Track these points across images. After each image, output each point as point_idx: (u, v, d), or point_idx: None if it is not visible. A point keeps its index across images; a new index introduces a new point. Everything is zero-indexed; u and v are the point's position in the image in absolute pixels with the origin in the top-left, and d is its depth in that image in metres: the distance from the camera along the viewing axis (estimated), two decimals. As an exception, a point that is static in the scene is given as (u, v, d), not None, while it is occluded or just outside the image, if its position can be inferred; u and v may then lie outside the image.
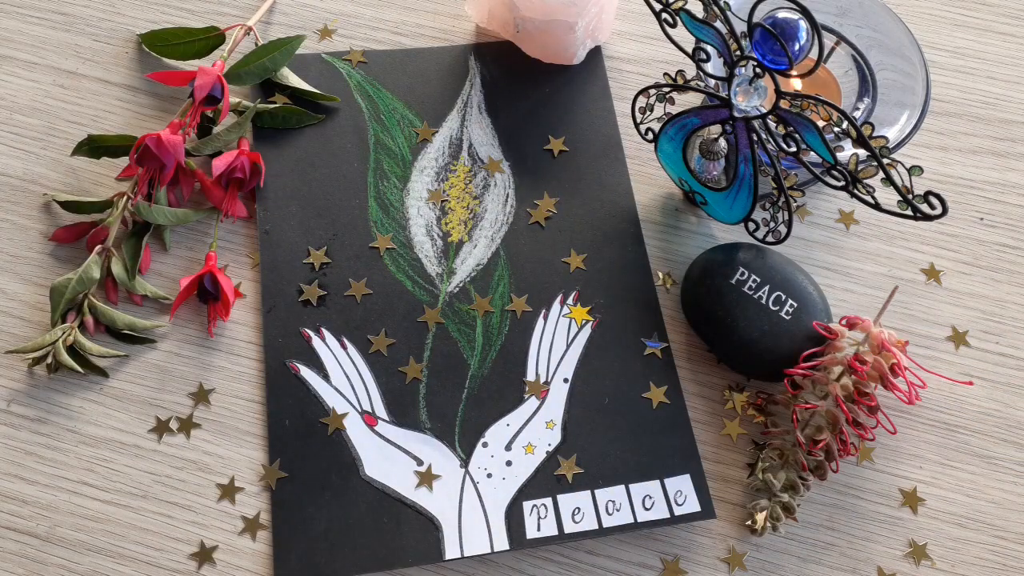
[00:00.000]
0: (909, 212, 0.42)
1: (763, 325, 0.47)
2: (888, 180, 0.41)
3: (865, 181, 0.43)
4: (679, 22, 0.46)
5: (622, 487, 0.46)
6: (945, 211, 0.40)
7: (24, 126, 0.56)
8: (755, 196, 0.48)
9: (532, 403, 0.48)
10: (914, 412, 0.49)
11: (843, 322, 0.47)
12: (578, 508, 0.46)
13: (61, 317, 0.49)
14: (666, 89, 0.50)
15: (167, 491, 0.46)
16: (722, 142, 0.49)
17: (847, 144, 0.47)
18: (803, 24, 0.42)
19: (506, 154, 0.56)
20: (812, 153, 0.44)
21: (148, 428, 0.48)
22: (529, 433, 0.48)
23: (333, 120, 0.57)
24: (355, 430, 0.47)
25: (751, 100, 0.45)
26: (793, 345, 0.47)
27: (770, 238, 0.50)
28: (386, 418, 0.48)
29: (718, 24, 0.44)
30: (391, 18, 0.61)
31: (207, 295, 0.50)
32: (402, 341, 0.50)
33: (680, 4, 0.46)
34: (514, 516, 0.45)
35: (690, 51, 0.47)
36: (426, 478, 0.46)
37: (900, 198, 0.41)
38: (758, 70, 0.44)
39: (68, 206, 0.52)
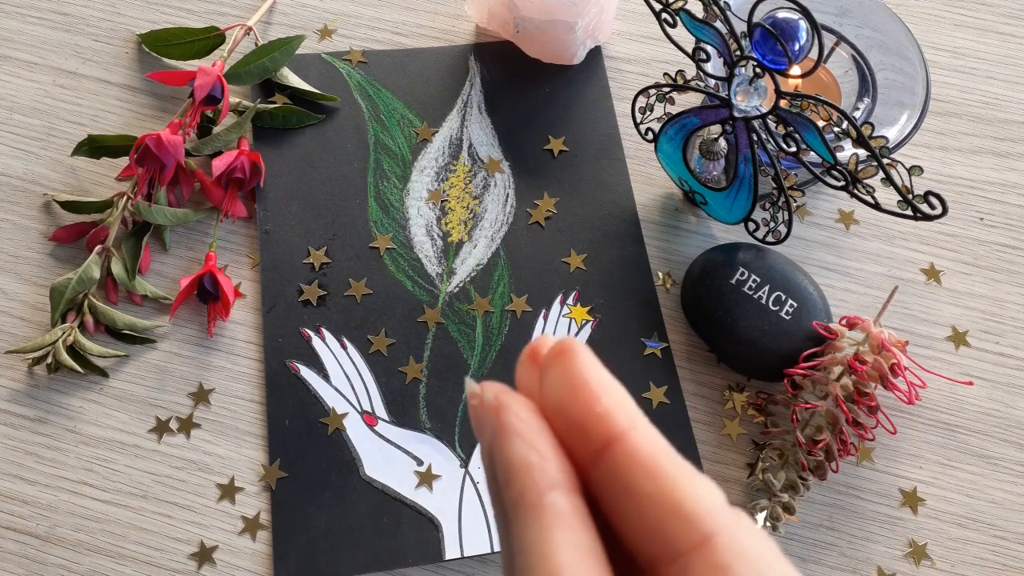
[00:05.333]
0: (909, 212, 0.42)
1: (763, 325, 0.47)
2: (888, 180, 0.41)
3: (865, 181, 0.43)
4: (679, 22, 0.46)
5: (622, 487, 0.46)
6: (945, 211, 0.40)
7: (24, 126, 0.56)
8: (755, 196, 0.48)
9: (532, 403, 0.48)
10: (914, 412, 0.49)
11: (843, 322, 0.47)
12: (578, 508, 0.46)
13: (61, 317, 0.49)
14: (666, 89, 0.50)
15: (167, 491, 0.46)
16: (722, 142, 0.49)
17: (847, 144, 0.47)
18: (803, 24, 0.42)
19: (506, 154, 0.56)
20: (812, 153, 0.44)
21: (148, 428, 0.48)
22: (529, 433, 0.48)
23: (333, 120, 0.57)
24: (355, 430, 0.47)
25: (751, 100, 0.45)
26: (793, 345, 0.47)
27: (770, 238, 0.50)
28: (386, 418, 0.48)
29: (718, 24, 0.44)
30: (391, 18, 0.61)
31: (207, 295, 0.50)
32: (402, 341, 0.50)
33: (680, 4, 0.46)
34: (514, 516, 0.45)
35: (690, 51, 0.47)
36: (426, 478, 0.46)
37: (900, 198, 0.42)
38: (758, 70, 0.44)
39: (68, 206, 0.52)
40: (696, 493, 0.16)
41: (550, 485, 0.17)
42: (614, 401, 0.17)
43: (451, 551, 0.44)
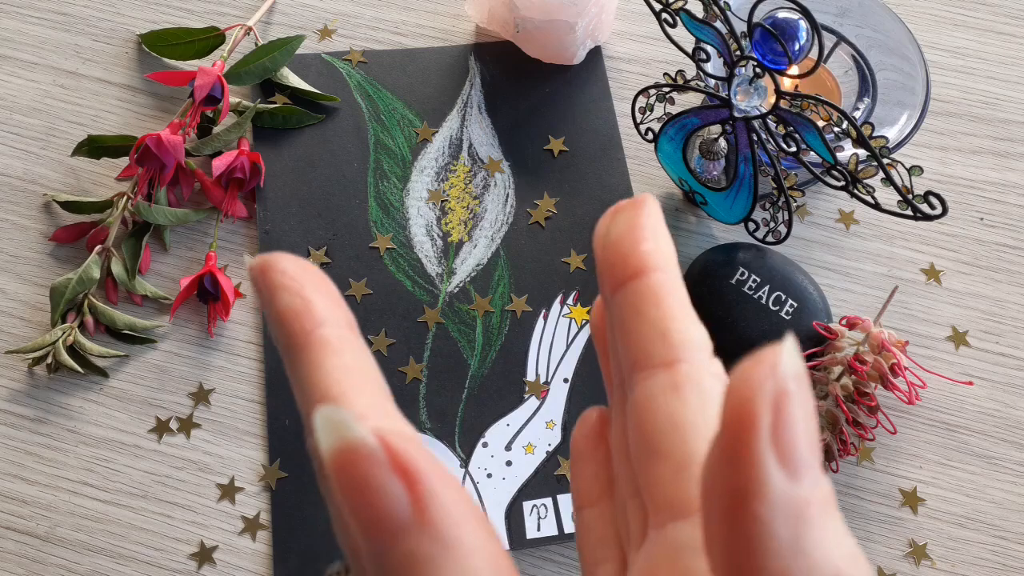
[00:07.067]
0: (909, 212, 0.42)
1: (763, 325, 0.47)
2: (888, 180, 0.41)
3: (865, 181, 0.43)
4: (679, 22, 0.46)
5: (622, 487, 0.46)
6: (945, 211, 0.40)
7: (24, 126, 0.56)
8: (755, 196, 0.48)
9: (532, 403, 0.48)
10: (914, 412, 0.49)
11: (843, 322, 0.47)
12: (578, 508, 0.46)
13: (61, 317, 0.49)
14: (666, 89, 0.50)
15: (167, 491, 0.46)
16: (722, 142, 0.49)
17: (847, 144, 0.47)
18: (803, 24, 0.42)
19: (506, 154, 0.56)
20: (812, 153, 0.44)
21: (148, 428, 0.48)
22: (529, 433, 0.48)
23: (333, 120, 0.57)
24: (355, 430, 0.47)
25: (751, 100, 0.45)
26: (793, 345, 0.47)
27: (770, 238, 0.50)
28: (386, 418, 0.48)
29: (718, 24, 0.44)
30: (391, 18, 0.61)
31: (207, 295, 0.50)
32: (402, 341, 0.50)
33: (680, 4, 0.46)
34: (514, 516, 0.45)
35: (690, 51, 0.47)
36: (426, 478, 0.46)
37: (900, 198, 0.42)
38: (758, 70, 0.44)
39: (68, 206, 0.52)
40: (685, 328, 0.19)
41: (315, 324, 0.18)
42: (658, 247, 0.19)
43: (451, 551, 0.44)
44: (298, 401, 0.19)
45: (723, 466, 0.14)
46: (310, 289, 0.19)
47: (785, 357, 0.13)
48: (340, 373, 0.18)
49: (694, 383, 0.18)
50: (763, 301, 0.48)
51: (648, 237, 0.19)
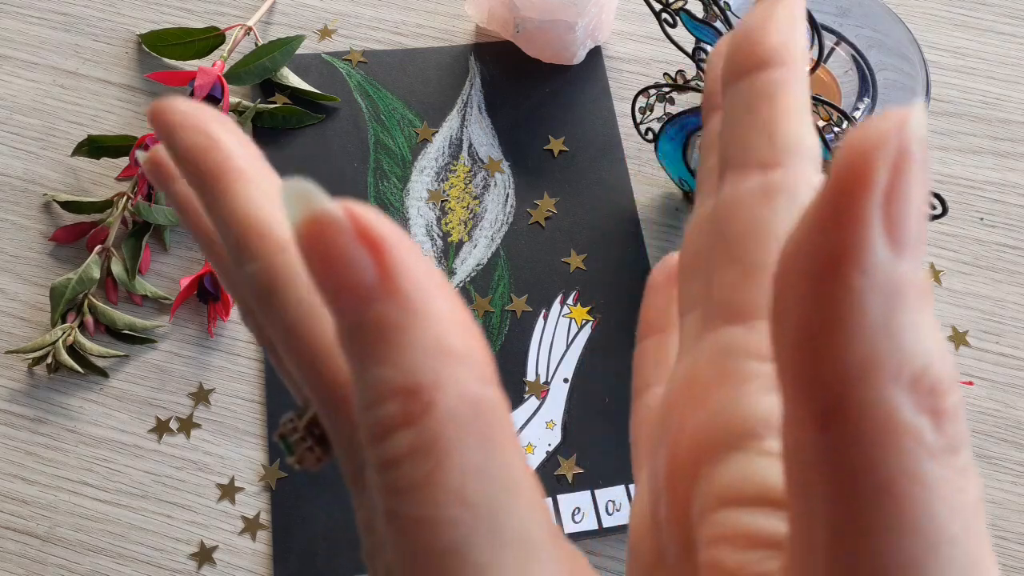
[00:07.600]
0: (909, 212, 0.42)
1: (763, 325, 0.47)
2: (888, 180, 0.41)
3: (865, 181, 0.43)
4: (679, 22, 0.46)
5: (622, 487, 0.46)
6: (945, 211, 0.40)
7: (24, 126, 0.56)
8: (755, 196, 0.48)
9: (532, 403, 0.48)
10: (914, 412, 0.49)
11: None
12: (578, 508, 0.46)
13: (61, 317, 0.49)
14: (666, 89, 0.50)
15: (167, 491, 0.46)
16: (722, 142, 0.49)
17: (847, 144, 0.47)
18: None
19: (506, 154, 0.56)
20: (812, 153, 0.44)
21: (148, 428, 0.48)
22: (529, 433, 0.48)
23: (333, 120, 0.57)
24: (355, 430, 0.47)
25: (751, 100, 0.45)
26: (793, 345, 0.47)
27: (770, 238, 0.49)
28: (386, 418, 0.48)
29: (718, 24, 0.44)
30: (391, 18, 0.61)
31: (207, 295, 0.50)
32: (402, 341, 0.50)
33: (680, 4, 0.46)
34: (514, 516, 0.45)
35: (690, 51, 0.47)
36: (426, 478, 0.46)
37: (900, 198, 0.41)
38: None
39: (68, 206, 0.52)
40: (795, 132, 0.16)
41: (226, 156, 0.18)
42: (791, 40, 0.17)
43: (451, 551, 0.44)
44: (221, 236, 0.19)
45: (818, 226, 0.12)
46: (214, 126, 0.19)
47: (915, 118, 0.11)
48: (263, 199, 0.18)
49: (789, 192, 0.16)
50: (763, 301, 0.48)
51: (782, 30, 0.17)
